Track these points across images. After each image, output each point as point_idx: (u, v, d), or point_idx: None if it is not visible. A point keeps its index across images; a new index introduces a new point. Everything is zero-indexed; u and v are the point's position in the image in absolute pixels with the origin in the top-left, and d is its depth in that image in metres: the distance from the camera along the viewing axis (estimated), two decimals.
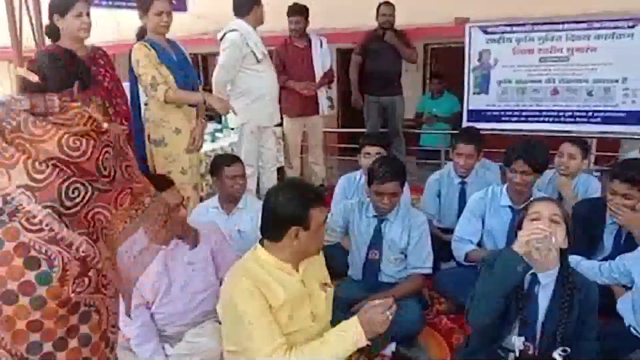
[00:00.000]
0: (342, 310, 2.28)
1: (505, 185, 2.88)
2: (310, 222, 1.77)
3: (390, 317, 1.74)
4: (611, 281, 2.37)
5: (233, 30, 3.82)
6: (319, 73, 4.73)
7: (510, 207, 2.83)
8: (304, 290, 1.85)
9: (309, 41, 4.72)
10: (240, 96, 3.94)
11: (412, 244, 2.74)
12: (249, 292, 1.73)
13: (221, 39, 3.89)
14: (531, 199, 2.58)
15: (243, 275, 1.79)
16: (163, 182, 2.27)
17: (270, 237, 1.83)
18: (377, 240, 2.77)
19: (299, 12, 4.66)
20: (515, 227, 1.97)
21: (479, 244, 2.91)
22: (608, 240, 2.68)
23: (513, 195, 2.83)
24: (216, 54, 3.99)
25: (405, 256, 2.77)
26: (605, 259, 2.55)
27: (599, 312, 1.95)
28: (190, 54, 3.41)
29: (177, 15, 5.53)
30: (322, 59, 4.73)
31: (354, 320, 1.75)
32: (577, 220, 2.52)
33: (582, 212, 2.74)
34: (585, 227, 2.64)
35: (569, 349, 1.87)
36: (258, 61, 3.86)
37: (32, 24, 4.32)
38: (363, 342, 1.72)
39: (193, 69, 3.32)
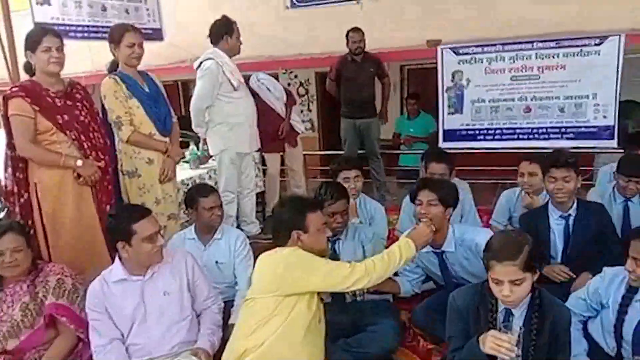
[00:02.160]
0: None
1: None
2: (308, 225, 2.20)
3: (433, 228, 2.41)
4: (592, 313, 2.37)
5: (209, 58, 3.86)
6: (280, 109, 4.74)
7: (433, 252, 2.79)
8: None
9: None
10: (218, 124, 3.96)
11: (368, 254, 2.77)
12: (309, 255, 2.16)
13: (197, 68, 3.92)
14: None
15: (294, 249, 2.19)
16: (139, 212, 2.29)
17: (279, 242, 2.24)
18: (333, 259, 2.77)
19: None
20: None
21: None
22: (558, 240, 2.91)
23: None
24: (195, 81, 4.02)
25: None
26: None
27: None
28: (169, 81, 3.43)
29: (155, 44, 5.63)
30: (277, 98, 4.75)
31: (404, 238, 2.33)
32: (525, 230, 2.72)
33: (528, 221, 2.99)
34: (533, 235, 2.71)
35: None
36: (235, 89, 3.89)
37: (6, 60, 4.32)
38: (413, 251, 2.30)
39: (165, 101, 3.34)
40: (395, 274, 2.85)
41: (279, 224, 2.26)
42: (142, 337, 2.31)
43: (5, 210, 2.93)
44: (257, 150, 4.51)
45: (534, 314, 1.96)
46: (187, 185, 4.00)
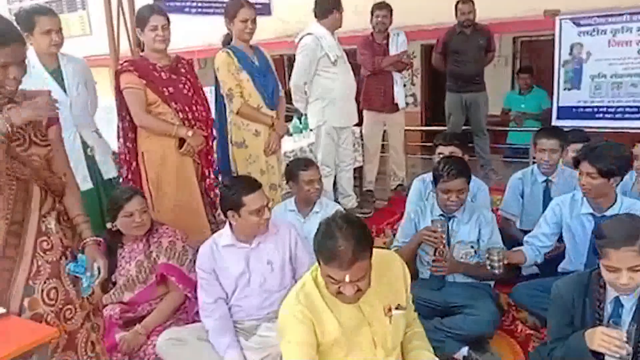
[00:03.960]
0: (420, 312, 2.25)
1: None
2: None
3: None
4: None
5: (308, 34, 3.95)
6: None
7: (591, 214, 2.64)
8: (361, 318, 1.81)
9: (388, 37, 4.71)
10: (316, 98, 4.05)
11: (485, 240, 2.73)
12: (296, 320, 1.76)
13: (298, 43, 4.02)
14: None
15: (296, 299, 1.80)
16: (250, 185, 2.39)
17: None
18: (446, 237, 2.75)
19: (384, 8, 4.66)
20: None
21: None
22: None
23: (590, 202, 2.63)
24: None
25: (475, 251, 2.75)
26: None
27: None
28: (276, 55, 3.54)
29: (263, 19, 5.78)
30: (397, 50, 4.70)
31: None
32: None
33: None
34: None
35: None
36: (333, 63, 3.94)
37: (128, 34, 4.68)
38: None
39: (274, 76, 3.45)
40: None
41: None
42: (244, 300, 2.45)
43: (120, 177, 3.18)
44: (357, 125, 4.53)
45: None
46: (290, 157, 4.11)
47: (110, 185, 3.15)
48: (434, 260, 2.70)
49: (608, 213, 2.54)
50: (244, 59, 3.25)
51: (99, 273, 1.88)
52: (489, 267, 2.51)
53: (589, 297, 1.92)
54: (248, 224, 2.35)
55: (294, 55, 4.12)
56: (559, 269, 2.78)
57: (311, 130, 4.29)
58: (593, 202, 2.62)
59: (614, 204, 2.57)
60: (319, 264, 1.74)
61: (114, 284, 2.65)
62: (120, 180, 3.16)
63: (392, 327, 1.86)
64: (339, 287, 1.67)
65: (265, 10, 5.71)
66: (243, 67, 3.23)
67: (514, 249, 2.78)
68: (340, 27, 4.07)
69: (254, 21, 3.24)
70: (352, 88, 4.17)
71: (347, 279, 1.63)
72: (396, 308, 1.85)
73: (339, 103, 4.05)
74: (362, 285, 1.68)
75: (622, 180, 2.59)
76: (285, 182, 3.26)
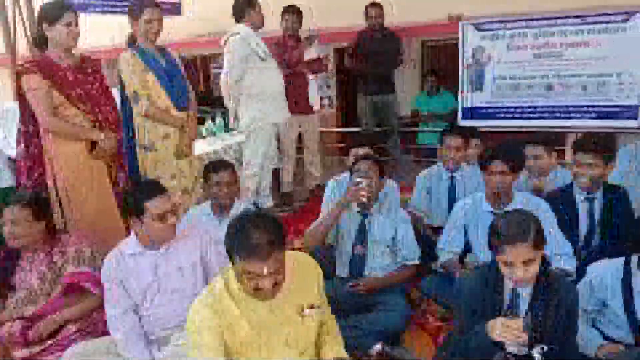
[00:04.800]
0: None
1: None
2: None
3: None
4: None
5: (235, 33, 3.97)
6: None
7: (491, 212, 2.78)
8: (273, 319, 1.81)
9: (299, 40, 4.77)
10: (249, 96, 4.08)
11: (400, 238, 2.81)
12: (204, 326, 1.75)
13: (224, 44, 4.04)
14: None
15: (205, 305, 1.78)
16: (152, 189, 2.30)
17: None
18: (362, 235, 2.82)
19: (293, 12, 4.71)
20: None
21: (467, 251, 2.91)
22: (583, 219, 2.84)
23: (491, 199, 2.79)
24: (215, 56, 4.09)
25: (391, 250, 2.83)
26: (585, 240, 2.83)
27: None
28: (189, 56, 3.48)
29: (174, 19, 5.63)
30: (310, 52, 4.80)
31: None
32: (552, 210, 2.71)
33: (554, 200, 2.85)
34: (559, 213, 2.77)
35: (545, 347, 1.90)
36: (262, 60, 4.00)
37: (26, 33, 4.39)
38: None
39: (183, 77, 3.37)
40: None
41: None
42: (155, 309, 2.35)
43: (17, 185, 2.97)
44: None
45: (540, 294, 1.95)
46: (203, 160, 4.03)
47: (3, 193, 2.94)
48: (351, 286, 2.72)
49: (509, 209, 2.69)
50: (150, 59, 3.17)
51: None
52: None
53: (489, 288, 2.02)
54: (152, 230, 2.27)
55: (209, 56, 4.09)
56: (464, 261, 2.91)
57: (239, 131, 4.29)
58: (493, 200, 2.78)
59: (511, 200, 2.74)
60: (234, 263, 1.71)
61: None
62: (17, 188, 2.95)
63: (305, 327, 1.87)
64: (257, 283, 1.66)
65: (176, 10, 5.58)
66: (149, 67, 3.14)
67: None
68: (262, 25, 4.13)
69: (159, 21, 3.17)
70: (282, 85, 4.24)
71: (265, 270, 1.63)
72: (310, 307, 1.86)
73: (275, 98, 4.13)
74: (279, 278, 1.70)
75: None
76: (200, 185, 3.20)
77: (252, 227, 1.66)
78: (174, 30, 5.89)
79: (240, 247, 1.66)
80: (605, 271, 2.18)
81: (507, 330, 1.79)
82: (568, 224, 2.80)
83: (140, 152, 3.27)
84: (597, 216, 2.84)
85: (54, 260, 2.48)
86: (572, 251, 2.68)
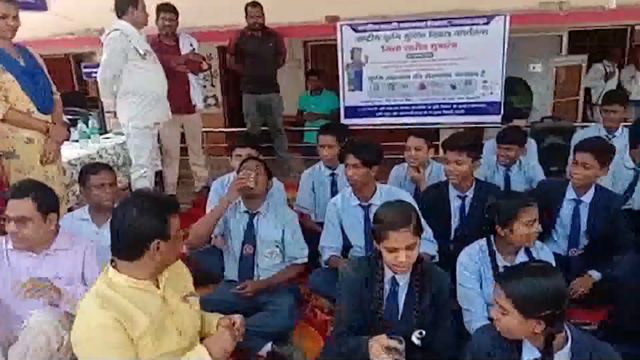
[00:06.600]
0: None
1: None
2: (170, 231, 1.71)
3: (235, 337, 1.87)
4: None
5: (115, 29, 3.83)
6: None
7: (360, 205, 2.91)
8: (166, 308, 1.78)
9: (177, 40, 4.66)
10: (127, 94, 3.93)
11: (287, 237, 2.83)
12: (107, 327, 1.62)
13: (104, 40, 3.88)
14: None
15: (100, 307, 1.64)
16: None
17: (127, 256, 1.70)
18: (250, 235, 2.81)
19: (170, 10, 4.57)
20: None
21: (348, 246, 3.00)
22: (454, 219, 3.03)
23: (357, 193, 2.91)
24: (87, 55, 3.85)
25: (280, 250, 2.84)
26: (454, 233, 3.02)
27: None
28: (59, 54, 3.22)
29: (41, 15, 5.20)
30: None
31: (200, 346, 1.80)
32: (427, 205, 2.91)
33: (429, 196, 3.10)
34: (433, 210, 2.96)
35: (424, 332, 2.02)
36: (142, 57, 3.87)
37: None
38: None
39: (45, 77, 3.12)
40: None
41: (131, 232, 1.68)
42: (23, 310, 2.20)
43: None
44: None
45: (416, 281, 2.07)
46: (75, 166, 3.77)
47: None
48: (239, 288, 2.71)
49: (373, 201, 2.86)
50: (6, 58, 2.89)
51: None
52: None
53: (370, 278, 2.10)
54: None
55: (82, 55, 3.85)
56: (348, 256, 3.00)
57: (115, 132, 4.06)
58: (359, 193, 2.90)
59: (374, 192, 2.89)
60: (143, 250, 1.68)
61: None
62: None
63: (192, 313, 1.89)
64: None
65: (40, 5, 5.15)
66: (5, 67, 2.87)
67: None
68: (146, 23, 4.00)
69: (15, 17, 2.90)
70: (164, 84, 4.11)
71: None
72: (190, 295, 1.91)
73: (154, 98, 4.00)
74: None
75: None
76: (72, 193, 2.99)
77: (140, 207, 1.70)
78: (39, 27, 5.47)
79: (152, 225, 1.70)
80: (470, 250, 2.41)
81: (385, 352, 1.87)
82: (442, 219, 3.00)
83: (1, 159, 2.99)
84: (467, 211, 3.02)
85: None
86: (432, 235, 2.86)
